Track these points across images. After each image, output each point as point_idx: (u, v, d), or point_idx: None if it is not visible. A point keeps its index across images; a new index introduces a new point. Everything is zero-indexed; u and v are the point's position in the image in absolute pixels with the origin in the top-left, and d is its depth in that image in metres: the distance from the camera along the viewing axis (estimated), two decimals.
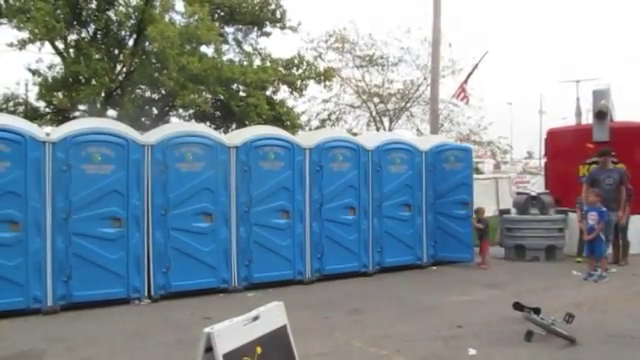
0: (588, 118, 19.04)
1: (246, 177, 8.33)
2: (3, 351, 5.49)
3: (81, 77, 14.34)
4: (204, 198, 7.99)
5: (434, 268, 10.22)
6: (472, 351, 5.34)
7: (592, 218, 9.06)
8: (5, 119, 7.47)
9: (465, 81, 16.17)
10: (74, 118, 15.35)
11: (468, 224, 10.28)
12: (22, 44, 14.31)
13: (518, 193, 12.84)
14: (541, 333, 5.65)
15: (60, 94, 15.12)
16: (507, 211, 11.88)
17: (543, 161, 17.31)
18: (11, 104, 16.53)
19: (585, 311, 6.77)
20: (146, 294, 7.65)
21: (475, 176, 10.86)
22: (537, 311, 5.84)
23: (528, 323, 5.74)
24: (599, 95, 11.89)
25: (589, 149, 11.57)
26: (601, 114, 11.72)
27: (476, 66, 16.04)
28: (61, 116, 15.90)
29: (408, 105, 24.36)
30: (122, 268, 7.41)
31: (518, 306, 6.02)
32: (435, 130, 15.39)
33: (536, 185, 17.62)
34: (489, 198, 18.46)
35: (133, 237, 7.51)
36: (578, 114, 21.47)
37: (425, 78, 22.55)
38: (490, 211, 14.02)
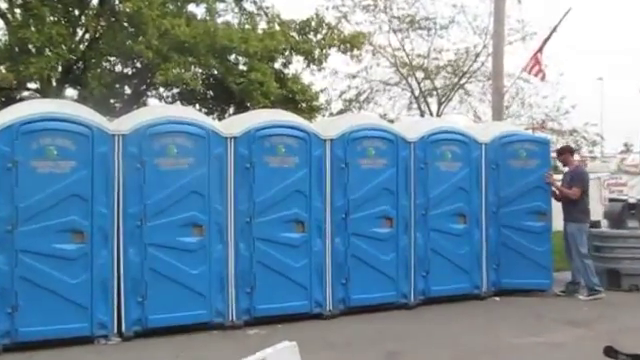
0: None
1: (248, 177, 8.38)
2: None
3: (31, 46, 14.48)
4: (193, 205, 8.05)
5: (497, 299, 10.20)
6: None
7: None
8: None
9: (540, 49, 16.06)
10: (21, 99, 15.55)
11: (545, 240, 10.22)
12: None
13: (611, 200, 12.72)
14: None
15: (3, 68, 15.29)
16: (596, 223, 11.78)
17: None
18: None
19: None
20: (115, 330, 7.71)
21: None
22: (637, 359, 5.79)
23: None
24: None
25: None
26: None
27: (555, 29, 15.92)
28: (4, 97, 16.10)
29: (462, 82, 24.31)
30: (84, 297, 7.48)
31: (610, 351, 5.96)
32: (499, 115, 15.33)
33: (636, 189, 17.45)
34: None
35: (99, 256, 7.58)
36: None
37: (485, 46, 22.50)
38: None
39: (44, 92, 15.10)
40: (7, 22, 15.26)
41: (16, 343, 7.20)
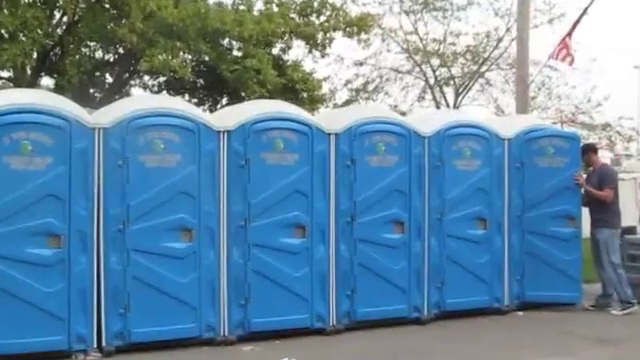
0: None
1: (243, 175, 8.40)
2: None
3: (4, 31, 14.53)
4: (182, 206, 8.08)
5: (520, 314, 10.21)
6: None
7: None
8: None
9: (569, 34, 16.06)
10: None
11: (575, 248, 10.24)
12: None
13: None
14: None
15: None
16: (631, 229, 11.78)
17: None
18: None
19: None
20: (95, 345, 7.75)
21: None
22: None
23: None
24: None
25: None
26: None
27: (585, 11, 15.92)
28: None
29: (482, 69, 24.30)
30: (61, 308, 7.51)
31: None
32: (524, 107, 15.33)
33: None
34: None
35: (77, 262, 7.61)
36: None
37: (508, 29, 22.50)
38: None
39: (18, 81, 15.17)
40: None
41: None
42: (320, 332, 8.78)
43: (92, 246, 7.73)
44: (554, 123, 19.68)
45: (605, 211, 10.35)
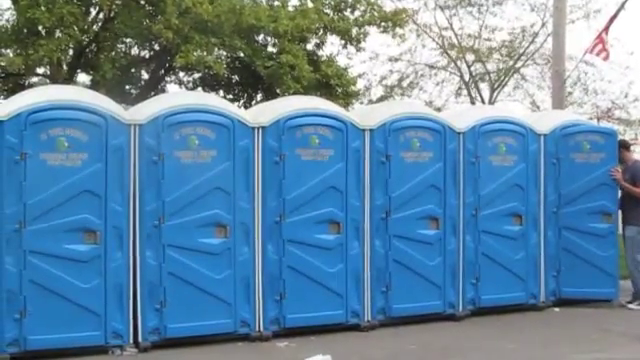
0: None
1: (278, 171, 8.41)
2: None
3: (40, 27, 14.66)
4: (217, 202, 8.11)
5: (556, 310, 10.15)
6: None
7: None
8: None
9: (606, 28, 15.87)
10: (30, 86, 15.77)
11: (611, 244, 10.13)
12: None
13: None
14: None
15: (10, 52, 15.51)
16: None
17: None
18: None
19: None
20: (131, 340, 7.81)
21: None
22: None
23: None
24: None
25: None
26: None
27: (622, 5, 15.73)
28: (12, 83, 16.34)
29: (518, 65, 24.11)
30: (97, 304, 7.58)
31: None
32: (560, 102, 15.22)
33: None
34: None
35: (113, 258, 7.66)
36: None
37: (544, 24, 22.29)
38: None
39: (54, 77, 15.29)
40: (15, 1, 15.39)
41: (25, 352, 7.30)
42: (355, 328, 8.77)
43: (128, 242, 7.79)
44: (590, 119, 19.47)
45: (635, 208, 10.26)
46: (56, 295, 7.41)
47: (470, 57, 23.97)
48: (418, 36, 23.62)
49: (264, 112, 9.02)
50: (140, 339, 7.81)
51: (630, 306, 10.22)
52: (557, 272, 10.23)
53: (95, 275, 7.58)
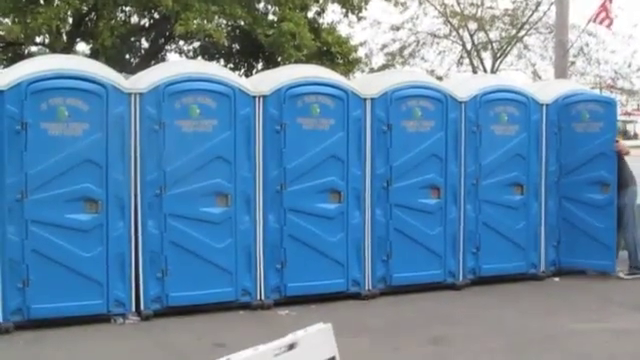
0: None
1: (279, 140, 8.41)
2: None
3: None
4: (217, 172, 8.11)
5: (556, 280, 10.17)
6: None
7: None
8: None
9: None
10: (30, 55, 15.75)
11: (609, 215, 10.14)
12: None
13: None
14: None
15: (9, 20, 15.46)
16: None
17: None
18: None
19: None
20: (133, 308, 7.87)
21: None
22: None
23: None
24: None
25: None
26: None
27: None
28: (11, 52, 16.31)
29: (521, 34, 24.01)
30: (99, 272, 7.63)
31: None
32: (563, 72, 15.16)
33: None
34: None
35: (115, 227, 7.70)
36: None
37: None
38: None
39: (53, 46, 15.26)
40: None
41: (28, 320, 7.37)
42: (355, 297, 8.81)
43: (129, 211, 7.82)
44: (592, 89, 19.41)
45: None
46: (58, 264, 7.46)
47: (472, 26, 23.91)
48: (420, 4, 23.50)
49: (265, 81, 9.01)
50: (142, 307, 7.86)
51: (621, 275, 10.13)
52: (557, 242, 10.24)
53: (97, 244, 7.62)
